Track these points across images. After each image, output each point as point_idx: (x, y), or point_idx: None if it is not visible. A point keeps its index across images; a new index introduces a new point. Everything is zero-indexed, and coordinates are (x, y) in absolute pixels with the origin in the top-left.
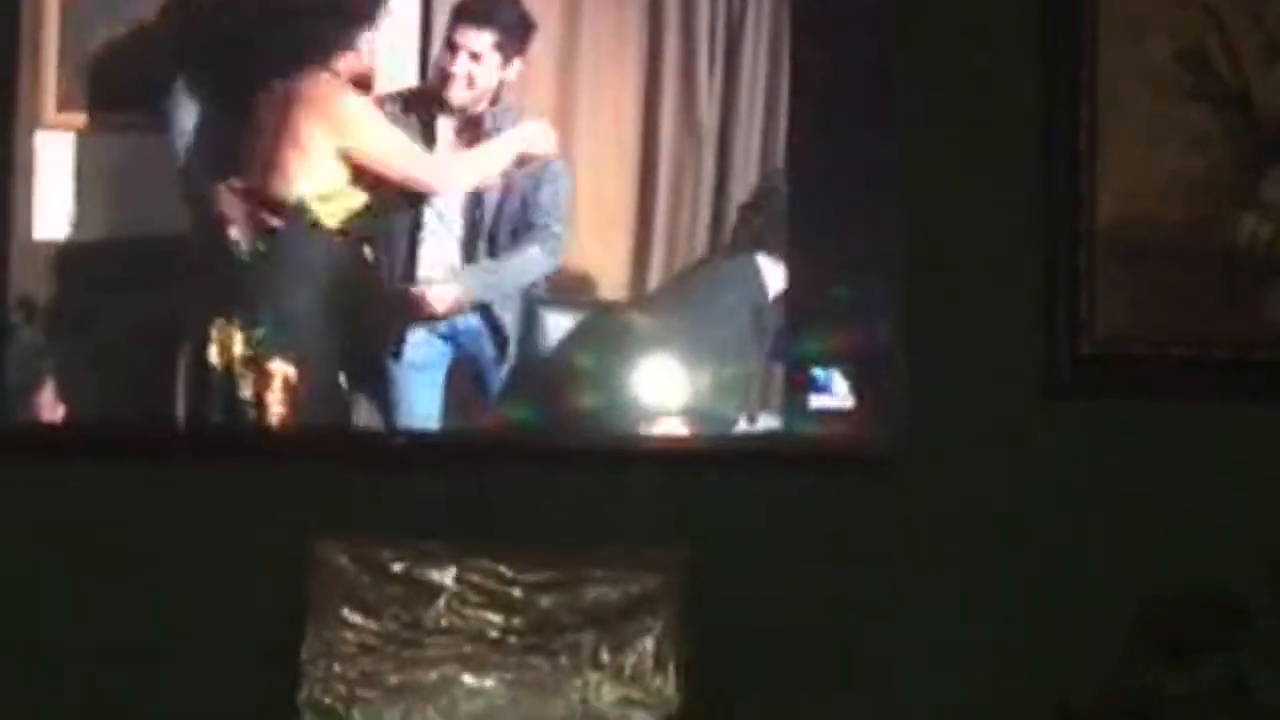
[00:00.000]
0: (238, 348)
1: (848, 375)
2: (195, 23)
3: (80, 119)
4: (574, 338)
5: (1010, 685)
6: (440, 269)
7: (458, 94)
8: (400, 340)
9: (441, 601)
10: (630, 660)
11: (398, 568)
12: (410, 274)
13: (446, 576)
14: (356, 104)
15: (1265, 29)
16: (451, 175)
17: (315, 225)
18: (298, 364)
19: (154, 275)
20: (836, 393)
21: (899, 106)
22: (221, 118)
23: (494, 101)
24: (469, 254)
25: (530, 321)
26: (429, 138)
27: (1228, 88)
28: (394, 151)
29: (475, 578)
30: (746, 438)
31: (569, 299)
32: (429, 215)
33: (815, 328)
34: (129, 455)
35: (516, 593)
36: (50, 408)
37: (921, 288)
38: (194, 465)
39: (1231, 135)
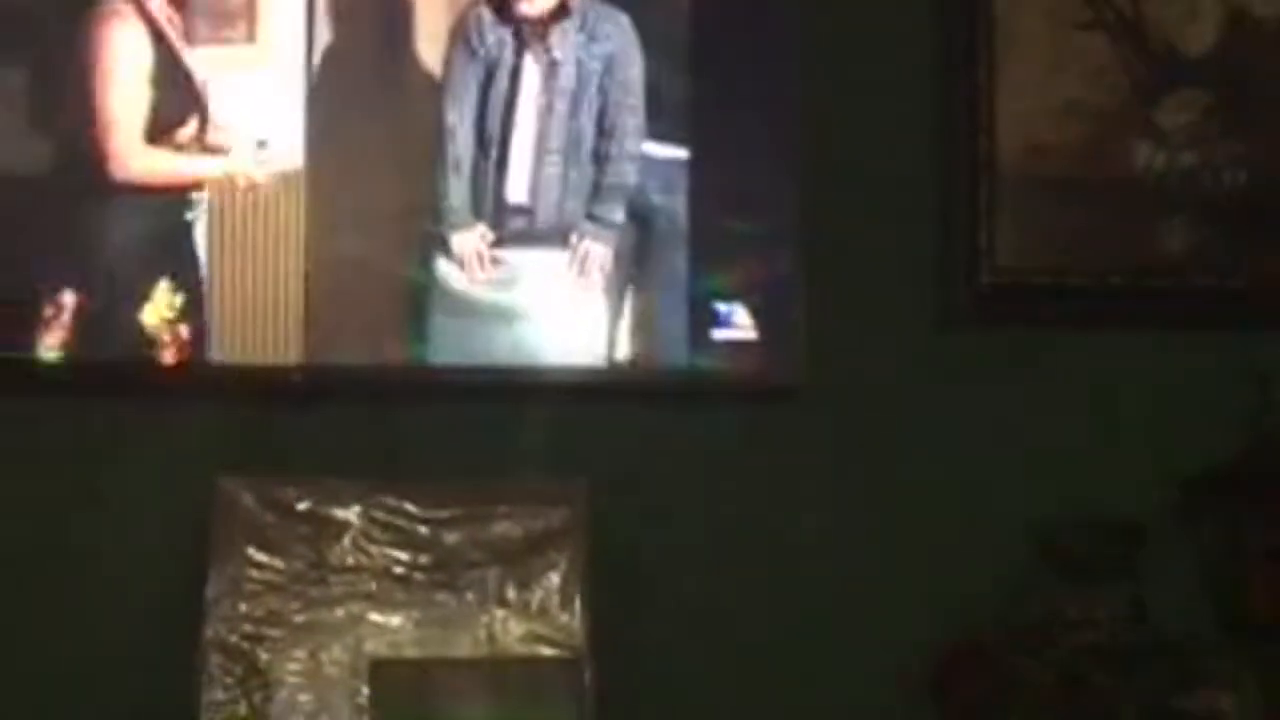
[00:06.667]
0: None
1: (749, 308)
2: None
3: None
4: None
5: (913, 613)
6: None
7: None
8: None
9: (347, 539)
10: (536, 596)
11: (302, 506)
12: None
13: (351, 514)
14: None
15: None
16: None
17: None
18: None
19: None
20: (738, 325)
21: (796, 40)
22: None
23: None
24: None
25: None
26: None
27: (1123, 17)
28: None
29: (380, 515)
30: (649, 371)
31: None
32: None
33: (716, 261)
34: (27, 391)
35: (422, 529)
36: None
37: (821, 220)
38: (95, 403)
39: (1127, 64)
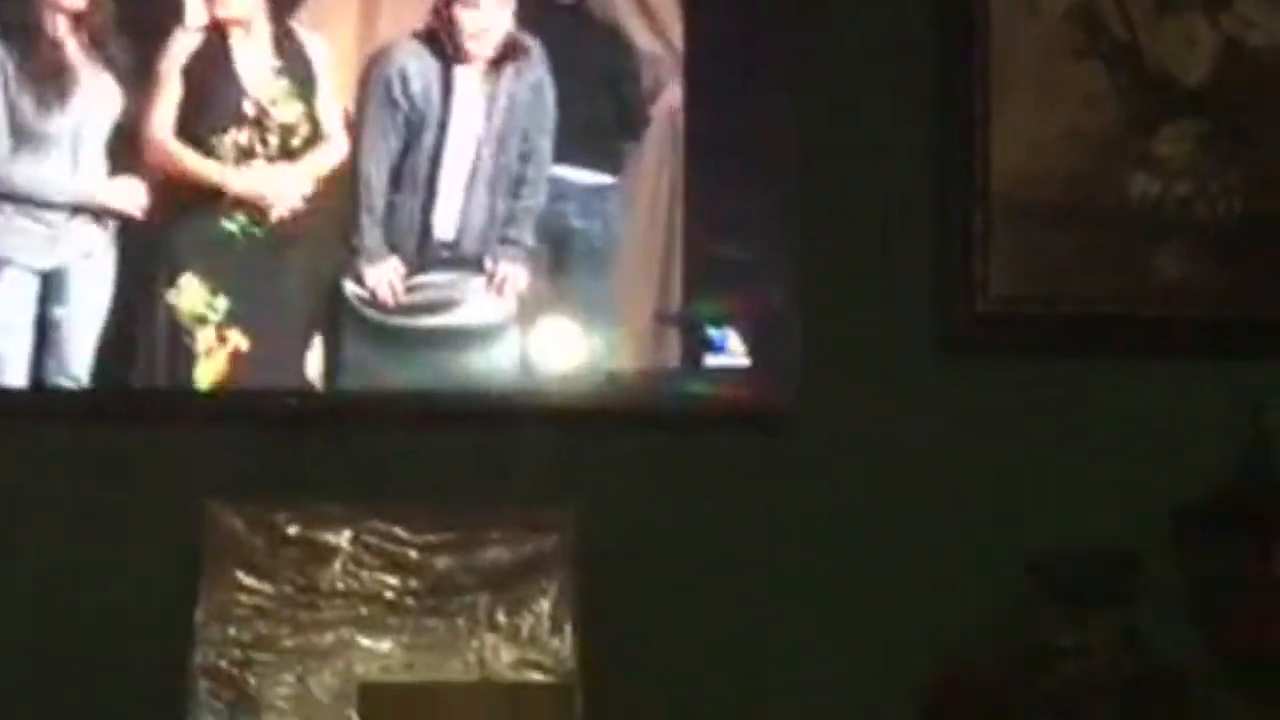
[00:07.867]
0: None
1: (742, 334)
2: None
3: None
4: None
5: (905, 641)
6: None
7: None
8: None
9: (337, 564)
10: (527, 622)
11: (292, 530)
12: None
13: (342, 539)
14: None
15: None
16: None
17: None
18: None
19: None
20: (731, 352)
21: (795, 68)
22: None
23: None
24: None
25: None
26: None
27: (1119, 44)
28: None
29: (371, 540)
30: (642, 396)
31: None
32: None
33: (710, 287)
34: (18, 416)
35: (412, 554)
36: None
37: (816, 247)
38: (85, 428)
39: (1123, 93)
